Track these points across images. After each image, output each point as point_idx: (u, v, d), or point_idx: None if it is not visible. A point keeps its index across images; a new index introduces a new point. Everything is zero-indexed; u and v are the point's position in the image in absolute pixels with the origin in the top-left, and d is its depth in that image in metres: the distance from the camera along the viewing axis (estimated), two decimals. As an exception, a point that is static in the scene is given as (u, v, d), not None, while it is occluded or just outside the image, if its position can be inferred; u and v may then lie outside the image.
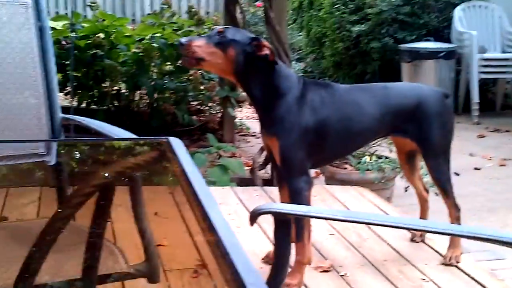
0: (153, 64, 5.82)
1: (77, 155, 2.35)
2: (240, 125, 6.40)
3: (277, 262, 1.93)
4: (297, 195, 2.73)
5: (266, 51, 2.66)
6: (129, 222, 2.12)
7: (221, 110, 5.96)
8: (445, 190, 3.17)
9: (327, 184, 4.41)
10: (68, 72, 5.50)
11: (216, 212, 1.57)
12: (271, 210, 1.90)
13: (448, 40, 7.67)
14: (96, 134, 2.43)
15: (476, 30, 7.46)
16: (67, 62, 5.55)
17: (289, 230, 2.01)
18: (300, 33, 10.19)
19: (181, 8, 13.91)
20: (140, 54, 5.74)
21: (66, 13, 12.76)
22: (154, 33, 5.89)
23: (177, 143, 2.01)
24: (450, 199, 3.20)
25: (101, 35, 5.73)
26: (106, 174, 2.07)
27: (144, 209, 2.07)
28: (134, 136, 2.34)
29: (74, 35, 5.27)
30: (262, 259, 3.05)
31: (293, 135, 2.71)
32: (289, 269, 2.82)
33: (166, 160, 1.98)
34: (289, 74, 2.77)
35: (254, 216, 1.84)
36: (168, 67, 6.10)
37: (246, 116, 7.11)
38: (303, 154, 2.74)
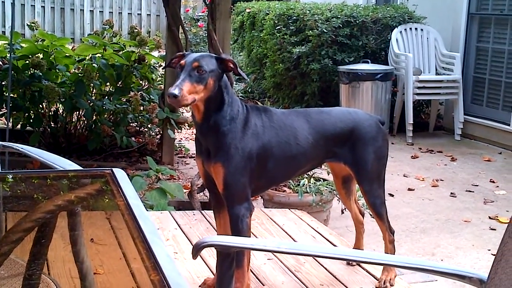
0: (92, 85, 5.77)
1: (17, 187, 2.32)
2: (180, 147, 6.40)
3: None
4: (238, 222, 2.74)
5: (231, 65, 2.71)
6: (65, 250, 2.11)
7: (161, 132, 5.93)
8: (379, 214, 3.24)
9: (266, 206, 4.45)
10: (4, 93, 5.42)
11: (162, 252, 1.57)
12: (215, 244, 1.90)
13: (385, 62, 7.86)
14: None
15: (412, 52, 7.68)
16: (3, 83, 5.48)
17: (232, 262, 2.03)
18: (241, 54, 10.26)
19: (123, 28, 13.89)
20: (80, 74, 5.68)
21: (4, 32, 12.59)
22: (95, 54, 5.85)
23: (120, 175, 2.02)
24: (384, 223, 3.27)
25: (40, 55, 5.65)
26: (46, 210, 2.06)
27: (81, 237, 2.06)
28: (75, 166, 2.33)
29: (13, 55, 5.19)
30: (200, 286, 3.06)
31: (239, 162, 2.73)
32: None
33: (109, 193, 1.97)
34: (235, 99, 2.80)
35: (197, 249, 1.84)
36: (108, 88, 6.07)
37: (185, 138, 7.11)
38: (246, 180, 2.77)
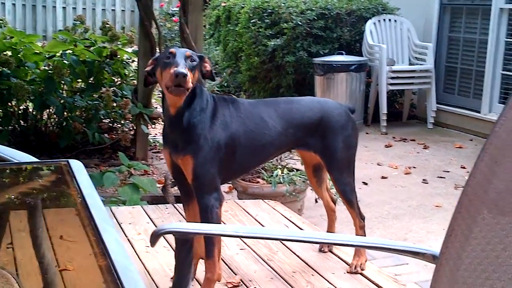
0: (63, 81, 5.73)
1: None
2: (154, 142, 6.38)
3: (179, 282, 1.96)
4: (208, 213, 2.75)
5: (208, 67, 2.77)
6: (31, 248, 2.10)
7: (134, 128, 5.91)
8: (350, 201, 3.28)
9: (240, 198, 4.46)
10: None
11: (111, 236, 1.58)
12: (172, 230, 1.90)
13: (359, 53, 7.89)
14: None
15: (386, 43, 7.71)
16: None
17: (190, 249, 2.04)
18: (217, 48, 10.25)
19: (95, 24, 13.80)
20: (50, 71, 5.63)
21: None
22: (65, 50, 5.80)
23: (76, 165, 2.01)
24: (355, 209, 3.31)
25: (9, 52, 5.60)
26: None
27: (45, 234, 2.05)
28: (33, 159, 2.31)
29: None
30: (171, 278, 3.06)
31: (208, 152, 2.74)
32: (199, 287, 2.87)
33: (65, 183, 1.97)
34: (204, 92, 2.81)
35: (155, 237, 1.84)
36: (79, 84, 6.03)
37: (160, 133, 7.08)
38: (216, 170, 2.78)
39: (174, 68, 2.54)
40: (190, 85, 2.60)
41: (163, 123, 6.15)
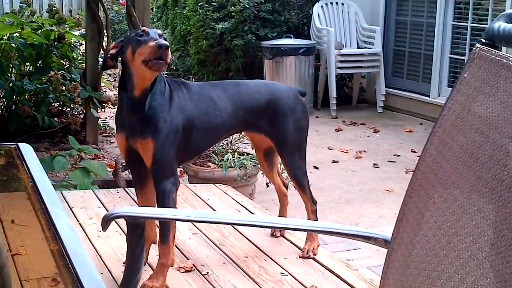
0: (11, 65, 5.63)
1: None
2: (104, 126, 6.31)
3: (131, 266, 1.95)
4: (165, 197, 2.75)
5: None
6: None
7: (84, 111, 5.84)
8: (301, 185, 3.29)
9: (191, 182, 4.45)
10: None
11: (62, 220, 1.58)
12: (123, 214, 1.89)
13: (308, 37, 7.92)
14: None
15: (333, 27, 7.76)
16: None
17: (142, 234, 2.03)
18: (165, 32, 10.16)
19: (43, 7, 13.52)
20: (-3, 55, 5.55)
21: None
22: (12, 33, 5.71)
23: (26, 149, 1.99)
24: (306, 194, 3.33)
25: (-45, 36, 5.48)
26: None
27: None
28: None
29: None
30: (124, 262, 3.04)
31: (168, 136, 2.74)
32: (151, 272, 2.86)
33: (14, 167, 1.94)
34: (162, 75, 2.80)
35: (106, 221, 1.83)
36: (27, 68, 5.93)
37: (110, 117, 7.02)
38: (174, 154, 2.78)
39: (155, 41, 2.54)
40: (169, 60, 2.59)
41: (113, 106, 6.16)
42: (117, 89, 2.85)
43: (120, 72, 2.86)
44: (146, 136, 2.73)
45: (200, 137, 2.94)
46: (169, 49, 2.58)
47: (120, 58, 2.77)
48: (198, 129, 2.90)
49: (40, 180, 1.64)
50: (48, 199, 1.59)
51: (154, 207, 2.89)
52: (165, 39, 2.65)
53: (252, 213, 3.84)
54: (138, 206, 3.05)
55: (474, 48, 1.25)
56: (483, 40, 1.25)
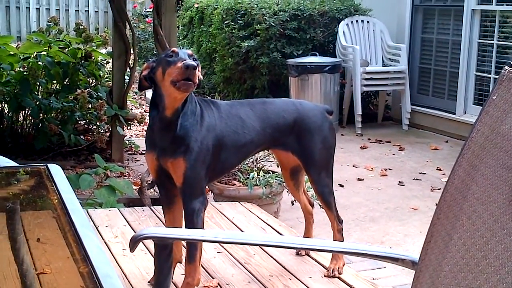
0: (38, 83, 5.70)
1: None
2: (129, 144, 6.35)
3: (158, 286, 1.96)
4: (194, 217, 2.76)
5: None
6: (9, 251, 2.08)
7: (110, 129, 5.88)
8: (328, 203, 3.28)
9: (216, 201, 4.45)
10: None
11: (92, 242, 1.58)
12: (152, 235, 1.89)
13: (333, 55, 7.93)
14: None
15: (359, 44, 7.76)
16: None
17: (170, 254, 2.04)
18: (191, 49, 10.23)
19: (70, 25, 13.71)
20: (25, 73, 5.61)
21: None
22: (40, 51, 5.78)
23: (55, 170, 2.00)
24: (333, 212, 3.31)
25: (-17, 54, 5.56)
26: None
27: (23, 237, 2.04)
28: (12, 163, 2.30)
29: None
30: (149, 281, 3.06)
31: (199, 155, 2.76)
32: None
33: (44, 188, 1.96)
34: (193, 95, 2.81)
35: (134, 242, 1.83)
36: (54, 86, 6.00)
37: (136, 135, 7.07)
38: (204, 173, 2.80)
39: (183, 62, 2.55)
40: (197, 80, 2.60)
41: (139, 124, 6.19)
42: (148, 109, 2.87)
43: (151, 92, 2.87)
44: (178, 156, 2.74)
45: (229, 156, 2.95)
46: (198, 69, 2.58)
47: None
48: (227, 147, 2.91)
49: (69, 201, 1.65)
50: (77, 220, 1.60)
51: (181, 226, 2.90)
52: (195, 59, 2.67)
53: (278, 232, 3.83)
54: (165, 224, 3.06)
55: (502, 71, 1.24)
56: (512, 62, 1.24)
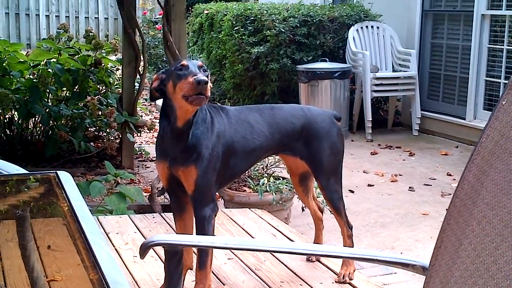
0: (48, 90, 5.72)
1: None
2: (139, 151, 6.36)
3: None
4: (205, 224, 2.76)
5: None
6: (20, 258, 2.09)
7: (120, 136, 5.90)
8: (337, 209, 3.27)
9: (226, 207, 4.46)
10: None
11: (102, 249, 1.59)
12: (162, 242, 1.89)
13: (343, 60, 7.93)
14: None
15: (369, 50, 7.75)
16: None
17: (180, 261, 2.04)
18: (201, 55, 10.25)
19: (79, 32, 13.77)
20: (35, 80, 5.63)
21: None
22: (50, 59, 5.79)
23: (65, 177, 2.01)
24: (342, 218, 3.30)
25: (-7, 62, 5.59)
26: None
27: (33, 244, 2.04)
28: (22, 171, 2.31)
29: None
30: (159, 288, 3.06)
31: (210, 162, 2.76)
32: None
33: (54, 195, 1.96)
34: None
35: (144, 249, 1.83)
36: (64, 93, 6.02)
37: (146, 142, 7.08)
38: (214, 180, 2.80)
39: (194, 77, 2.54)
40: (209, 94, 2.60)
41: (149, 131, 6.19)
42: (159, 118, 2.86)
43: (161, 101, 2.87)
44: (189, 164, 2.74)
45: (238, 161, 2.95)
46: (208, 83, 2.56)
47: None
48: (236, 153, 2.91)
49: (79, 208, 1.66)
50: (87, 227, 1.60)
51: (192, 232, 2.90)
52: (205, 70, 2.66)
53: (288, 238, 3.82)
54: (176, 231, 3.06)
55: (512, 75, 1.24)
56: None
